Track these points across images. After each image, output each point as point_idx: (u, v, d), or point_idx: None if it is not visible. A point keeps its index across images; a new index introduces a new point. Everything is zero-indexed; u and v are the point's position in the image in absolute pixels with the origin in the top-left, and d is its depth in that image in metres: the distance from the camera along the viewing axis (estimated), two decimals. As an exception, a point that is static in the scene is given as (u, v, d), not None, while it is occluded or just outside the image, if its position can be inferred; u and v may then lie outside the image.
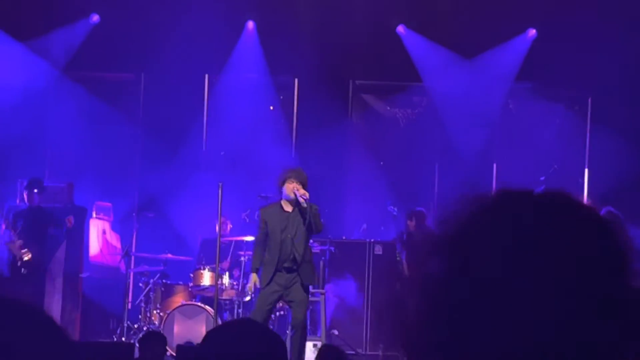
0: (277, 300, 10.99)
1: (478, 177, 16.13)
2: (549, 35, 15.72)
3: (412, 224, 14.05)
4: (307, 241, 10.89)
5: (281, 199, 11.00)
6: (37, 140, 16.33)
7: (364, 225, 16.16)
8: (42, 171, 16.22)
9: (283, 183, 10.83)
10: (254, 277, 10.95)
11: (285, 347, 2.97)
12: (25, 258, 13.25)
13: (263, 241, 10.99)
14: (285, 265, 10.71)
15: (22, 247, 13.25)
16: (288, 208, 10.88)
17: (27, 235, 13.35)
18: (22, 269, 13.23)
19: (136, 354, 10.08)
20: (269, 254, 10.83)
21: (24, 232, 13.37)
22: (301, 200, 10.63)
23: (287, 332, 11.29)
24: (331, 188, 16.32)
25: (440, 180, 16.53)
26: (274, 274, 10.71)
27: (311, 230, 10.77)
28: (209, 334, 2.98)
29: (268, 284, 10.73)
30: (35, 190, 13.51)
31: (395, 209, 14.65)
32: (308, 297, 10.97)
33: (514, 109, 16.36)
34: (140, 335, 12.26)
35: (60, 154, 16.42)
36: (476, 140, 16.06)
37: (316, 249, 13.71)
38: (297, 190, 10.63)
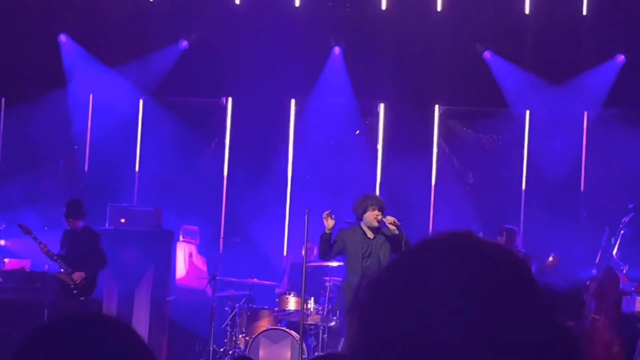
0: None
1: (565, 204, 15.97)
2: (638, 61, 15.53)
3: (502, 239, 13.87)
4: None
5: (360, 224, 11.02)
6: (126, 165, 16.59)
7: None
8: (131, 196, 16.48)
9: (364, 210, 10.82)
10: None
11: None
12: (77, 281, 12.96)
13: (331, 247, 11.04)
14: None
15: (70, 273, 12.98)
16: (370, 234, 10.90)
17: (71, 260, 13.03)
18: (76, 292, 12.98)
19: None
20: (350, 278, 10.85)
21: (69, 258, 13.06)
22: (392, 228, 10.63)
23: None
24: (417, 212, 16.29)
25: (527, 205, 16.39)
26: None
27: (398, 253, 10.72)
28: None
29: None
30: (68, 214, 13.19)
31: (480, 234, 14.54)
32: None
33: (602, 135, 16.16)
34: (227, 358, 12.35)
35: (149, 178, 16.64)
36: (563, 165, 15.91)
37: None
38: (384, 218, 10.66)
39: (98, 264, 13.15)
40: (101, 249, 13.21)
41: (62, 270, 13.00)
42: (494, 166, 16.37)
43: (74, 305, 12.72)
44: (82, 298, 12.83)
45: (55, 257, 12.97)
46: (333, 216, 11.01)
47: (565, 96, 15.95)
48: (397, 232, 10.68)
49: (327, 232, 10.96)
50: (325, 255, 11.23)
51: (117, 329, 1.76)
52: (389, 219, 10.67)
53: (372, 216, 10.76)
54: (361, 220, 11.01)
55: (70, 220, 13.16)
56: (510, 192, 16.47)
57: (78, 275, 12.91)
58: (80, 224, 13.19)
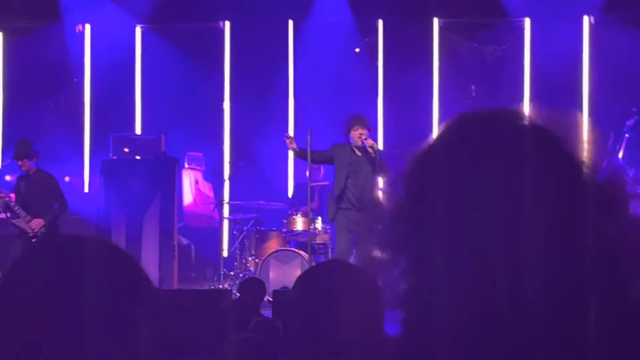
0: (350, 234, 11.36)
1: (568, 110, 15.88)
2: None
3: None
4: (376, 184, 11.14)
5: (351, 142, 11.26)
6: (127, 95, 16.55)
7: None
8: (133, 125, 16.45)
9: (349, 130, 11.09)
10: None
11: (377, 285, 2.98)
12: (36, 229, 12.21)
13: (316, 153, 11.66)
14: (355, 204, 11.17)
15: (28, 221, 12.27)
16: (358, 153, 11.16)
17: (28, 206, 12.35)
18: (34, 240, 12.07)
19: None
20: (334, 191, 11.36)
21: (25, 204, 12.36)
22: (370, 150, 10.90)
23: None
24: (420, 127, 16.24)
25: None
26: (338, 211, 11.24)
27: (380, 175, 11.14)
28: (299, 278, 3.02)
29: (334, 219, 11.38)
30: (17, 155, 12.42)
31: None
32: None
33: (603, 40, 16.01)
34: (238, 281, 12.43)
35: (151, 107, 16.60)
36: (565, 73, 15.80)
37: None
38: (366, 140, 10.94)
39: (57, 209, 12.48)
40: (60, 192, 12.54)
41: (20, 217, 12.24)
42: (496, 78, 16.28)
43: None
44: None
45: (12, 204, 12.29)
46: (292, 137, 11.60)
47: (565, 2, 15.79)
48: (373, 154, 10.98)
49: (296, 152, 11.53)
50: (311, 159, 11.75)
51: (104, 250, 1.74)
52: (369, 142, 10.91)
53: (356, 135, 11.13)
54: (348, 138, 11.30)
55: (21, 162, 12.35)
56: (514, 103, 16.36)
57: (36, 223, 12.21)
58: (32, 165, 12.39)
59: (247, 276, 13.07)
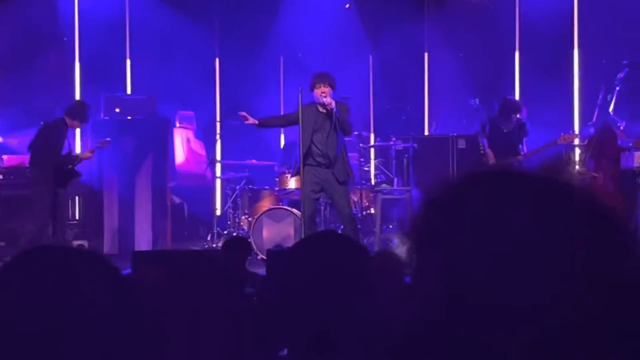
0: (320, 191, 11.45)
1: (560, 64, 15.87)
2: None
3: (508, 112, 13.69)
4: (339, 141, 11.30)
5: (315, 101, 11.37)
6: (117, 54, 16.48)
7: (434, 124, 16.11)
8: (123, 84, 16.40)
9: (312, 88, 11.17)
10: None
11: (370, 256, 3.02)
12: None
13: (280, 118, 12.20)
14: (321, 161, 11.31)
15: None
16: (322, 109, 11.24)
17: None
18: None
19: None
20: (302, 148, 11.34)
21: None
22: (328, 107, 10.98)
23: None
24: (411, 84, 16.21)
25: (522, 69, 16.30)
26: (305, 167, 11.34)
27: (342, 133, 11.30)
28: (299, 244, 3.07)
29: (297, 174, 11.64)
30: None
31: (477, 101, 14.46)
32: (346, 190, 11.49)
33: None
34: (222, 240, 12.46)
35: (140, 65, 16.55)
36: (556, 24, 15.74)
37: (398, 146, 13.75)
38: (325, 96, 11.00)
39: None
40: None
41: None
42: (487, 29, 16.22)
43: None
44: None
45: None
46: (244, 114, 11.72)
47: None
48: (329, 110, 11.16)
49: (257, 124, 11.72)
50: (278, 124, 12.30)
51: (89, 261, 1.73)
52: (327, 99, 11.06)
53: (318, 92, 11.18)
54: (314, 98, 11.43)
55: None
56: (504, 55, 16.35)
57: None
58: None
59: (240, 235, 13.11)
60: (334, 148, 11.26)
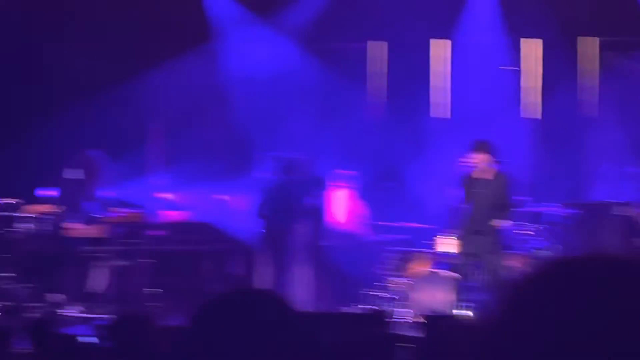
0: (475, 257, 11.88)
1: None
2: None
3: None
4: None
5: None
6: (277, 113, 16.74)
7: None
8: (278, 142, 16.62)
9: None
10: None
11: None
12: None
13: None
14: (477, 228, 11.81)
15: None
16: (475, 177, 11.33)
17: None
18: None
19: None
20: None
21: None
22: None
23: None
24: (573, 148, 16.06)
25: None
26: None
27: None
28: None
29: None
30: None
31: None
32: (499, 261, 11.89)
33: None
34: (388, 302, 12.33)
35: (299, 126, 16.73)
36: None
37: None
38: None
39: None
40: None
41: None
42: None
43: None
44: None
45: None
46: None
47: None
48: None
49: None
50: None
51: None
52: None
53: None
54: None
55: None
56: None
57: None
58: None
59: (395, 298, 13.01)
60: (487, 217, 11.23)
